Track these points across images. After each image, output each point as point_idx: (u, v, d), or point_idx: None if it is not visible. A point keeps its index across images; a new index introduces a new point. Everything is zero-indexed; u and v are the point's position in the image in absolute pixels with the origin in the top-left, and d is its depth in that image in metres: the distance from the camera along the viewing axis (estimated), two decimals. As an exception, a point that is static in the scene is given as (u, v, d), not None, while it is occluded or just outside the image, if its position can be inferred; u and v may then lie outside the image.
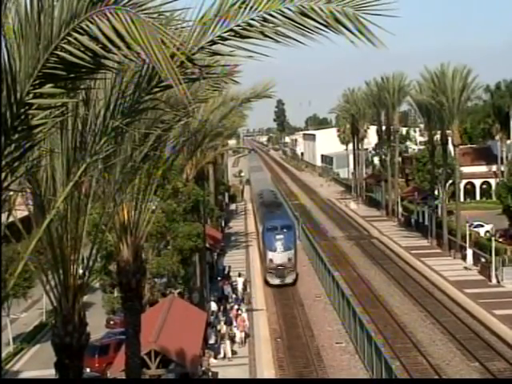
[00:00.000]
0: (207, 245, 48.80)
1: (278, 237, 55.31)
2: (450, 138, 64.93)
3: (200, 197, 43.43)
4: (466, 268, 55.98)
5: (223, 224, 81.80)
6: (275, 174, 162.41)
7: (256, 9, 6.84)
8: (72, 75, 6.69)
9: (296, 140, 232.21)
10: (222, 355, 37.72)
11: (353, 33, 6.58)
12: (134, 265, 18.05)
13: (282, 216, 61.87)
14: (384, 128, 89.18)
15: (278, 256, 54.99)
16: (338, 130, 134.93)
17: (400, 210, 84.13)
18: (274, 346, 39.58)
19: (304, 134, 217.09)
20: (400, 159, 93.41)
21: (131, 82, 10.19)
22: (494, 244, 51.76)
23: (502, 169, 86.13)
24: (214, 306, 44.61)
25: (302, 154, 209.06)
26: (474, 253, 57.03)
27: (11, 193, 8.60)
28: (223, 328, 39.59)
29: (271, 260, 55.01)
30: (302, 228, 72.22)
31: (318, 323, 44.29)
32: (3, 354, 36.70)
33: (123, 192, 15.49)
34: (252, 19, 6.89)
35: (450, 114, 62.35)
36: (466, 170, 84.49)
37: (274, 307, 49.16)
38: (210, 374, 33.74)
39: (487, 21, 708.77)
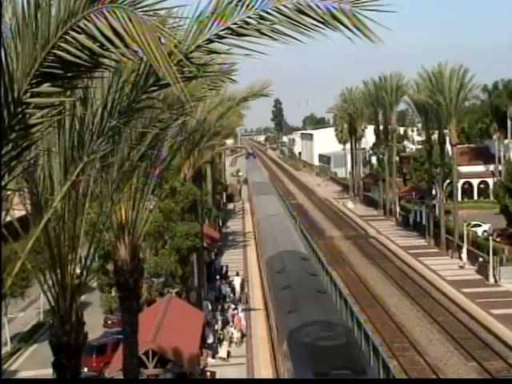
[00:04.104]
0: (205, 244, 48.78)
1: None
2: (447, 138, 65.02)
3: (197, 196, 43.42)
4: (460, 267, 56.07)
5: (221, 223, 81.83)
6: (273, 174, 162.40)
7: (252, 7, 6.84)
8: (69, 74, 6.67)
9: (293, 139, 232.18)
10: (220, 355, 37.71)
11: (350, 29, 6.58)
12: (131, 264, 18.02)
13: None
14: (381, 127, 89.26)
15: None
16: (336, 130, 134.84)
17: (398, 209, 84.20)
18: (271, 346, 39.53)
19: (302, 134, 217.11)
20: (397, 159, 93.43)
21: (128, 80, 10.18)
22: (491, 243, 51.83)
23: (500, 168, 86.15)
24: (209, 306, 44.55)
25: (300, 153, 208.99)
26: (469, 252, 57.06)
27: (9, 192, 8.58)
28: (221, 328, 39.61)
29: None
30: (299, 227, 71.78)
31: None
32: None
33: (121, 191, 15.46)
34: (248, 17, 6.89)
35: (448, 113, 62.43)
36: (463, 169, 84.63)
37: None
38: (208, 373, 33.73)
39: (486, 20, 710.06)
